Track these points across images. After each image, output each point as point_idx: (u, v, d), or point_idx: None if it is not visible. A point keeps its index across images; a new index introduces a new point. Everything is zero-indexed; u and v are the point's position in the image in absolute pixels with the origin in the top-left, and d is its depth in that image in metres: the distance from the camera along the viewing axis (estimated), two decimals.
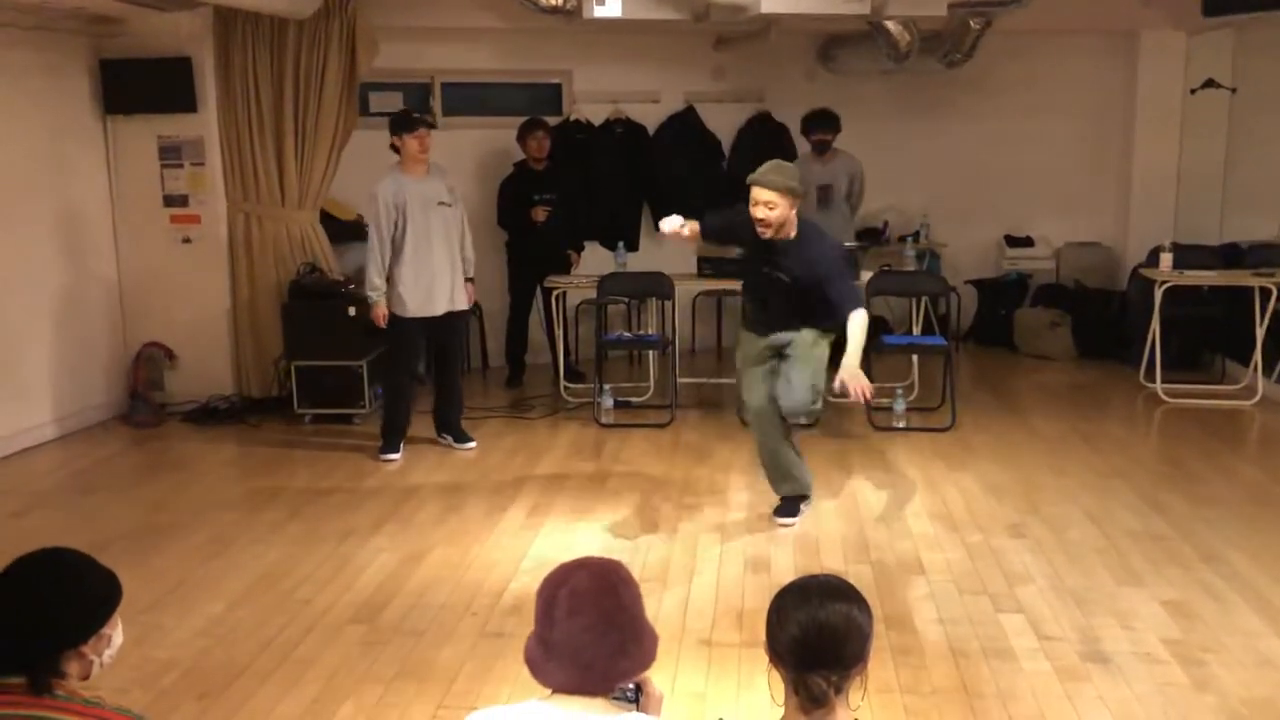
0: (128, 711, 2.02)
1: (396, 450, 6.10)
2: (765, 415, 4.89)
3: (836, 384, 4.56)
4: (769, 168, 4.62)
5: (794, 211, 4.63)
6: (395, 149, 5.89)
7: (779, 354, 4.90)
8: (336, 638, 3.90)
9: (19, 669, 1.96)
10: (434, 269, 5.93)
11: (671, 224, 4.88)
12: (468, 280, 6.16)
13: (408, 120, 5.86)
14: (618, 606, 1.85)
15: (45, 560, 2.08)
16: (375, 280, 5.85)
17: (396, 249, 5.86)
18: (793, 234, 4.67)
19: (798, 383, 4.76)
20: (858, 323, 4.55)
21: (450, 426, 6.30)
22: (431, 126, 5.96)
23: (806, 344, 4.81)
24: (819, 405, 4.91)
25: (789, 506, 5.01)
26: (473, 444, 6.27)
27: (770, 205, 4.55)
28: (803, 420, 5.04)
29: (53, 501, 5.51)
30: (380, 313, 5.89)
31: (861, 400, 4.61)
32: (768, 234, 4.63)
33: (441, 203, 5.95)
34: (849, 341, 4.57)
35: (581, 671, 1.83)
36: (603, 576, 1.88)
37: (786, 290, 4.74)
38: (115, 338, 7.07)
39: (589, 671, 1.83)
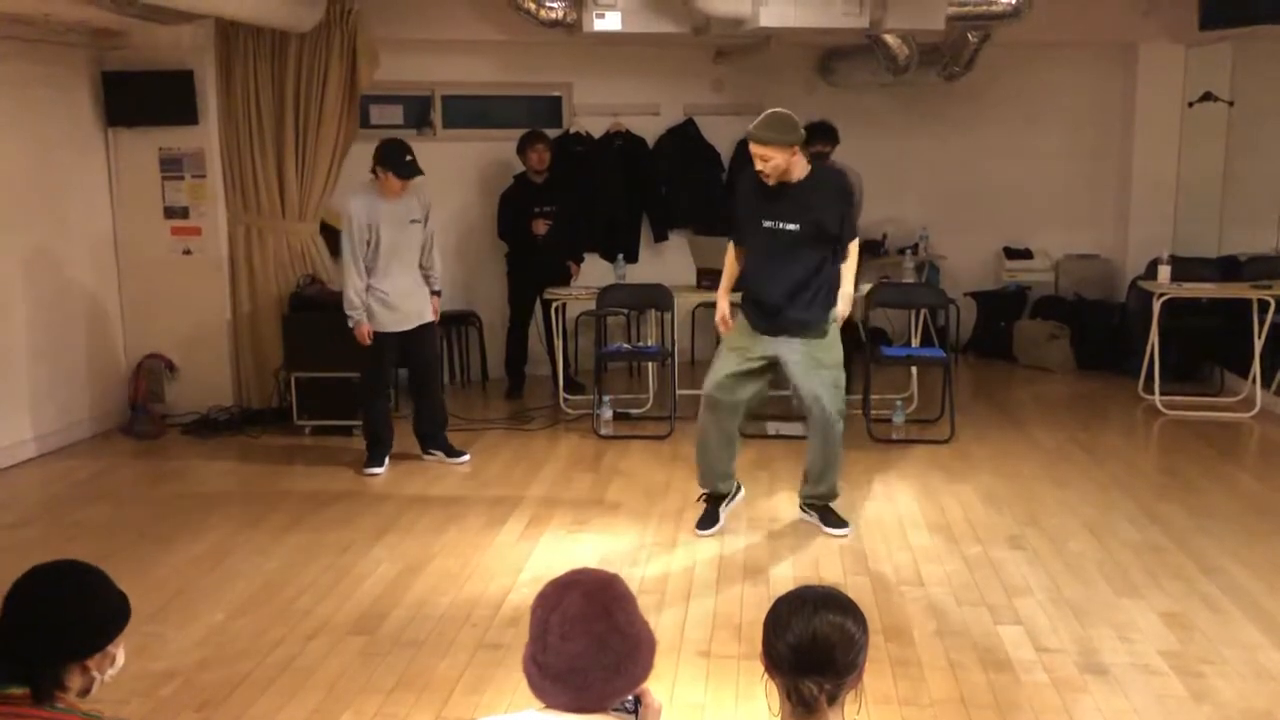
0: None
1: (380, 464, 6.07)
2: (713, 403, 4.87)
3: (839, 312, 4.78)
4: (762, 123, 4.65)
5: (798, 156, 4.66)
6: (375, 174, 5.79)
7: (773, 365, 4.86)
8: (336, 648, 3.90)
9: (24, 678, 1.97)
10: (404, 286, 5.90)
11: (722, 324, 5.00)
12: (434, 294, 6.10)
13: (405, 166, 5.70)
14: (611, 628, 1.84)
15: (62, 571, 2.09)
16: (354, 300, 5.81)
17: (369, 266, 5.82)
18: (800, 176, 4.70)
19: (821, 379, 4.78)
20: (853, 252, 4.85)
21: (437, 442, 6.24)
22: (420, 174, 5.82)
23: (819, 347, 4.80)
24: (838, 423, 4.86)
25: (708, 515, 5.05)
26: (465, 457, 6.23)
27: (764, 158, 4.61)
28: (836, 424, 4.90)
29: (53, 513, 5.51)
30: (364, 331, 5.85)
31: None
32: (772, 180, 4.67)
33: (414, 220, 5.91)
34: (844, 271, 4.87)
35: (577, 693, 1.83)
36: (594, 597, 1.86)
37: (793, 245, 4.72)
38: (116, 349, 7.09)
39: (585, 693, 1.83)
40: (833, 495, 5.06)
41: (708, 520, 5.04)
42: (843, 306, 4.88)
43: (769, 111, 4.72)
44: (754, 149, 4.64)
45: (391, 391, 6.47)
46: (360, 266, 5.79)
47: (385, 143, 5.82)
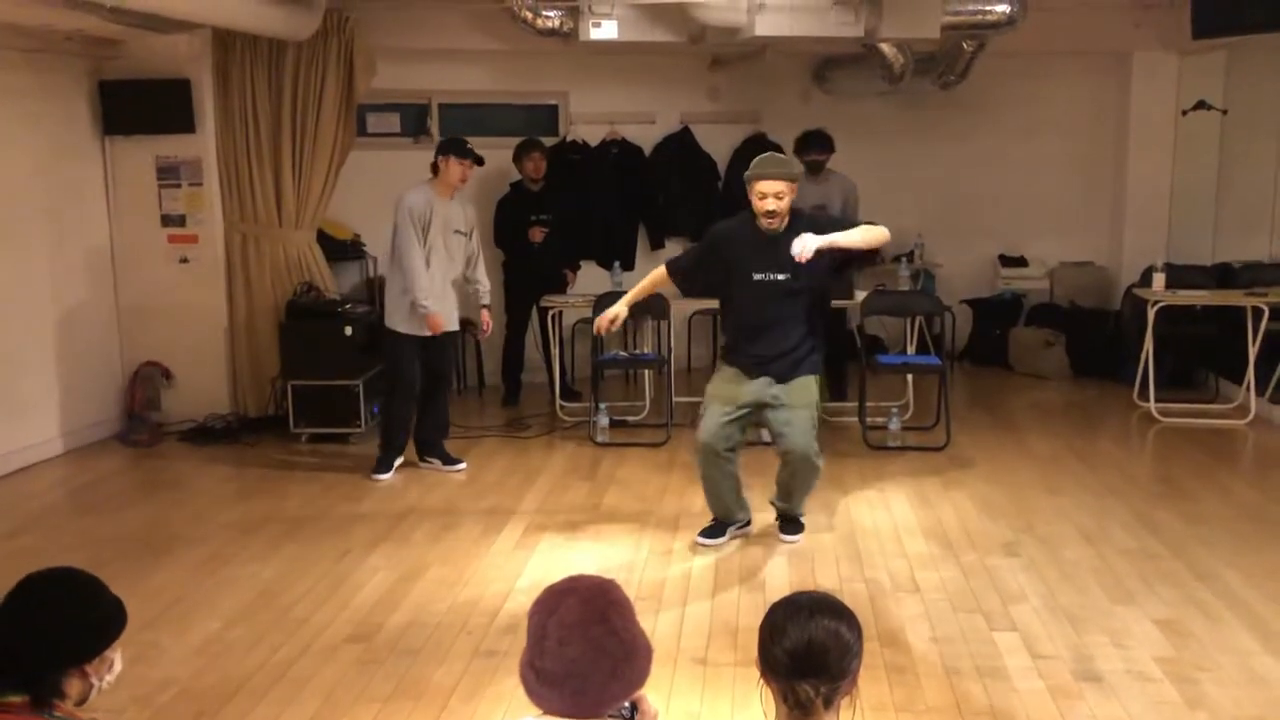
0: None
1: (389, 470, 6.10)
2: (711, 452, 4.82)
3: (795, 245, 4.49)
4: (769, 160, 4.66)
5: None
6: (435, 168, 5.90)
7: (760, 407, 4.82)
8: (332, 656, 3.90)
9: (23, 685, 1.98)
10: (438, 291, 5.93)
11: (603, 320, 4.98)
12: (484, 307, 6.21)
13: (463, 147, 5.89)
14: (607, 633, 1.84)
15: (57, 578, 2.10)
16: (423, 283, 5.81)
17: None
18: (785, 222, 4.67)
19: (799, 424, 4.74)
20: (865, 228, 4.67)
21: (434, 450, 6.24)
22: (481, 163, 6.03)
23: (799, 393, 4.77)
24: (819, 459, 4.85)
25: (715, 528, 5.00)
26: (462, 465, 6.24)
27: (780, 195, 4.58)
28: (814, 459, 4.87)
29: (49, 520, 5.51)
30: (436, 322, 5.88)
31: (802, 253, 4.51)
32: (774, 225, 4.62)
33: (457, 230, 6.00)
34: (846, 232, 4.63)
35: (574, 698, 1.83)
36: (592, 602, 1.87)
37: (784, 295, 4.70)
38: (112, 357, 7.09)
39: (582, 697, 1.84)
40: (798, 511, 5.07)
41: (714, 532, 5.00)
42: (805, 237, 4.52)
43: (766, 154, 4.71)
44: (764, 187, 4.59)
45: (415, 396, 6.29)
46: (423, 255, 5.81)
47: (449, 138, 6.11)
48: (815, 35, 6.62)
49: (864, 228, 4.71)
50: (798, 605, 1.97)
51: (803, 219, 4.73)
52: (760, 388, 4.77)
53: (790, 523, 5.06)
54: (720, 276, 4.86)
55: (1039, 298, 8.97)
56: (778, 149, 8.37)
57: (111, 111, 6.87)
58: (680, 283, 5.08)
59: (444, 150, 5.91)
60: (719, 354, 4.98)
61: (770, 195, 4.59)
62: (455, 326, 6.16)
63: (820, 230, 4.59)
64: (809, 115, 8.17)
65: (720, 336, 8.61)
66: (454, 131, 8.32)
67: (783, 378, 4.77)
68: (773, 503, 5.10)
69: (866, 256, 4.89)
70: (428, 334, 5.92)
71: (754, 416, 4.91)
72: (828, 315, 4.96)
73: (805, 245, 4.47)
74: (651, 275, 5.10)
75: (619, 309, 5.01)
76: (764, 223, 4.64)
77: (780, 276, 4.68)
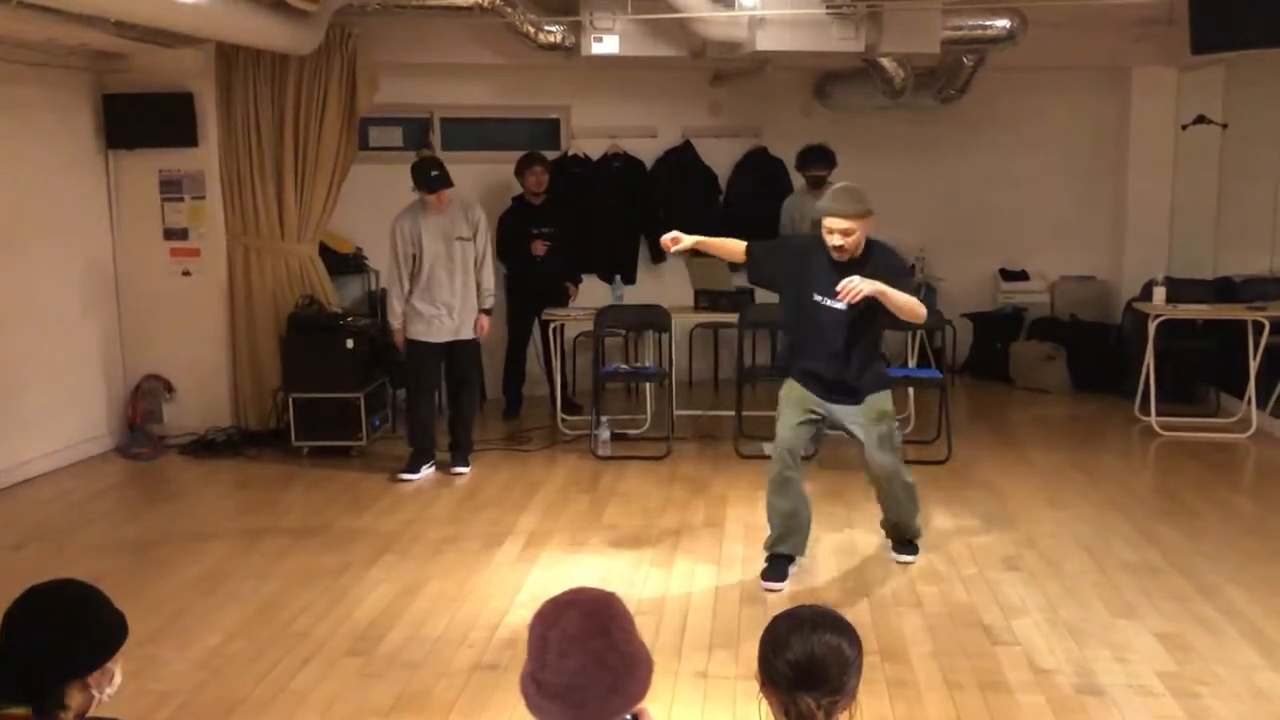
0: None
1: (416, 472, 6.31)
2: (794, 453, 4.75)
3: (844, 282, 4.39)
4: (840, 196, 4.56)
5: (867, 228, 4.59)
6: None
7: (828, 423, 4.81)
8: (333, 670, 3.90)
9: (25, 697, 1.98)
10: (447, 300, 6.20)
11: (668, 239, 4.85)
12: (483, 312, 6.33)
13: (429, 181, 6.07)
14: (609, 646, 1.84)
15: (60, 589, 2.10)
16: (396, 307, 6.25)
17: (412, 279, 6.18)
18: (860, 252, 4.60)
19: (874, 446, 4.72)
20: (914, 300, 4.54)
21: (454, 448, 6.48)
22: (449, 186, 6.16)
23: (867, 408, 4.73)
24: (907, 475, 4.85)
25: (778, 568, 4.74)
26: (465, 470, 6.40)
27: (848, 233, 4.51)
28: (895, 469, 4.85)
29: (50, 533, 5.51)
30: (400, 339, 6.30)
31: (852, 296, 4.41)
32: (844, 257, 4.57)
33: (460, 238, 6.18)
34: (900, 291, 4.49)
35: (575, 711, 1.83)
36: (593, 615, 1.87)
37: (838, 323, 4.63)
38: (114, 370, 7.10)
39: (583, 711, 1.83)
40: (914, 534, 5.02)
41: (778, 572, 4.73)
42: (861, 282, 4.40)
43: (839, 186, 4.63)
44: (834, 224, 4.50)
45: (435, 400, 6.63)
46: (403, 282, 6.19)
47: (415, 163, 6.27)
48: (816, 50, 6.64)
49: (913, 299, 4.56)
50: (800, 619, 1.98)
51: (877, 252, 4.65)
52: (833, 408, 4.74)
53: (902, 544, 5.00)
54: (783, 282, 4.82)
55: (1040, 311, 8.98)
56: (779, 163, 8.45)
57: (115, 125, 6.90)
58: (750, 265, 4.94)
59: (416, 186, 6.15)
60: (781, 365, 4.94)
61: (837, 232, 4.52)
62: (472, 334, 6.34)
63: (887, 276, 4.49)
64: (810, 130, 8.20)
65: (720, 350, 8.67)
66: (456, 145, 8.40)
67: (842, 400, 4.73)
68: (882, 525, 5.08)
69: (897, 322, 4.79)
70: (444, 340, 6.23)
71: (826, 423, 4.86)
72: (880, 338, 4.90)
73: (855, 287, 4.37)
74: (731, 241, 4.93)
75: (686, 237, 4.82)
76: (835, 255, 4.59)
77: (838, 305, 4.57)
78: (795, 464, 4.77)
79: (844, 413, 4.76)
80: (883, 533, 5.09)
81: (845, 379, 4.71)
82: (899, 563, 4.93)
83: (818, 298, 4.65)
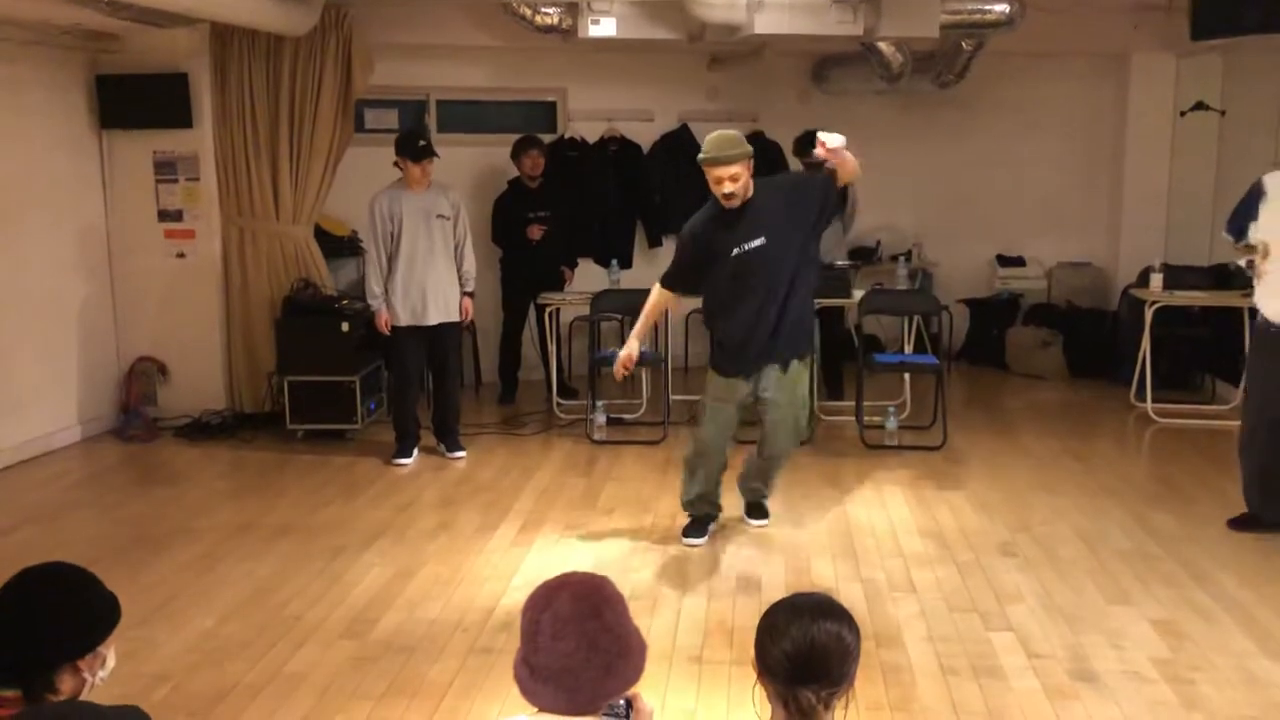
0: None
1: (407, 455, 6.29)
2: (719, 449, 4.96)
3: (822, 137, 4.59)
4: (718, 143, 4.60)
5: (749, 169, 4.67)
6: (398, 166, 6.08)
7: (756, 397, 4.88)
8: (327, 654, 3.90)
9: (16, 681, 1.97)
10: (428, 281, 6.12)
11: (619, 366, 4.97)
12: (466, 294, 6.28)
13: (416, 150, 6.02)
14: (601, 628, 1.84)
15: (51, 573, 2.09)
16: (374, 289, 6.14)
17: (391, 259, 6.10)
18: (750, 193, 4.69)
19: (783, 431, 4.91)
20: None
21: (444, 434, 6.42)
22: (435, 156, 6.12)
23: (789, 385, 4.83)
24: (808, 428, 4.97)
25: (697, 527, 5.06)
26: (462, 454, 6.38)
27: (735, 178, 4.59)
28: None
29: (44, 516, 5.49)
30: (382, 319, 6.14)
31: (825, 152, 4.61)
32: (735, 204, 4.65)
33: (440, 215, 6.11)
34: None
35: (569, 694, 1.83)
36: (585, 598, 1.87)
37: (766, 265, 4.67)
38: (108, 352, 7.07)
39: (576, 694, 1.83)
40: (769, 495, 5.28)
41: (697, 530, 5.07)
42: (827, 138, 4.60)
43: (715, 134, 4.66)
44: (718, 171, 4.57)
45: (418, 384, 6.59)
46: (381, 260, 6.11)
47: (402, 134, 6.23)
48: (814, 34, 6.61)
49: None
50: (799, 608, 1.96)
51: (765, 185, 4.76)
52: (757, 377, 4.82)
53: (758, 508, 5.25)
54: (707, 267, 4.82)
55: (1036, 298, 8.97)
56: (776, 148, 8.41)
57: (109, 106, 6.86)
58: (680, 288, 5.02)
59: (400, 152, 6.08)
60: (710, 361, 5.00)
61: (725, 179, 4.59)
62: (454, 317, 6.27)
63: (791, 191, 4.77)
64: (807, 114, 8.16)
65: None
66: (452, 128, 8.37)
67: (782, 357, 4.78)
68: (744, 489, 5.25)
69: (842, 203, 4.94)
70: (418, 324, 6.14)
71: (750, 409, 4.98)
72: (814, 284, 4.95)
73: (829, 140, 4.54)
74: (651, 299, 5.02)
75: (632, 348, 4.99)
76: (726, 204, 4.66)
77: (757, 242, 4.66)
78: (715, 457, 4.98)
79: (767, 380, 4.81)
80: (743, 501, 5.27)
81: (779, 330, 4.74)
82: (756, 529, 5.15)
83: (737, 250, 4.70)
